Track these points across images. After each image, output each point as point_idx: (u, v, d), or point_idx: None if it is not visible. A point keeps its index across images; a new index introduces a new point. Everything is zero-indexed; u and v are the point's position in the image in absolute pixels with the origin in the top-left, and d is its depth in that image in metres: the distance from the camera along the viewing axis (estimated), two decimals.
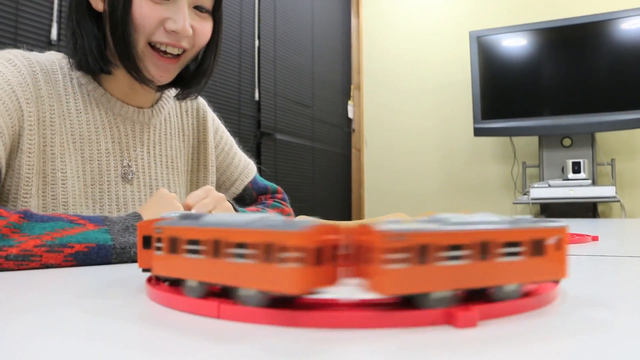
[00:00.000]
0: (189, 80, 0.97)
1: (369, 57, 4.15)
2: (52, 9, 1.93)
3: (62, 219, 0.68)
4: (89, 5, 0.88)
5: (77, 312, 0.38)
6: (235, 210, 0.91)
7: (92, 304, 0.41)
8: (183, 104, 1.08)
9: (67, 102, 0.89)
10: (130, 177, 0.96)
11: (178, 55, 0.89)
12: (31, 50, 0.91)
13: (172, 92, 1.05)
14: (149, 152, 0.99)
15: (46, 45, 1.90)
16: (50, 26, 1.92)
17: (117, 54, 0.87)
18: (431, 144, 3.90)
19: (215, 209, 0.85)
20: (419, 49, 3.96)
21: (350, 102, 4.09)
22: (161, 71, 0.89)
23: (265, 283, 0.32)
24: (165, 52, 0.88)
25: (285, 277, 0.31)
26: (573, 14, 3.38)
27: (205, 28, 0.91)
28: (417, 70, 3.95)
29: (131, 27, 0.84)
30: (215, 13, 0.93)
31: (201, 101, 1.12)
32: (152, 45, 0.87)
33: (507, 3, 3.71)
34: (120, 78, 0.93)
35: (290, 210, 1.13)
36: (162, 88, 0.97)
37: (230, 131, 1.20)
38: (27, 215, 0.66)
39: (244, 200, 1.15)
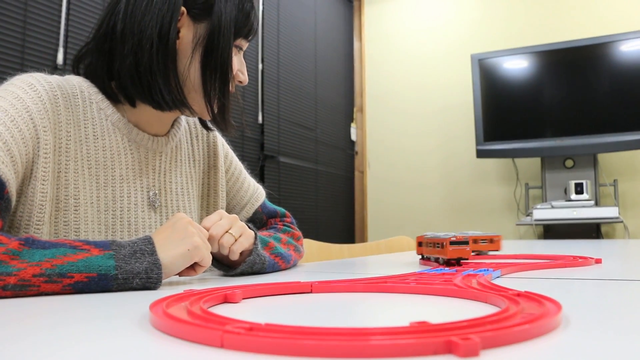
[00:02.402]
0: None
1: (371, 80, 4.18)
2: (58, 33, 1.96)
3: (64, 245, 0.67)
4: (173, 40, 0.89)
5: (77, 338, 0.38)
6: (249, 228, 0.91)
7: (93, 330, 0.41)
8: (193, 129, 1.09)
9: (85, 128, 0.89)
10: (157, 205, 0.96)
11: None
12: (52, 73, 0.91)
13: (183, 119, 1.07)
14: (160, 179, 0.99)
15: (52, 69, 1.92)
16: (56, 51, 1.95)
17: (208, 96, 0.93)
18: (434, 166, 3.91)
19: (231, 229, 0.87)
20: (421, 71, 3.99)
21: (353, 125, 4.11)
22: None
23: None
24: None
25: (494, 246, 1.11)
26: (574, 37, 3.41)
27: None
28: (420, 92, 3.98)
29: (231, 74, 0.93)
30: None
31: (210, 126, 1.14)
32: None
33: (509, 26, 3.74)
34: (145, 108, 0.94)
35: (300, 233, 1.13)
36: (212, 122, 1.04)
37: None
38: (28, 242, 0.65)
39: (254, 223, 1.15)
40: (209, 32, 0.89)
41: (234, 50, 0.94)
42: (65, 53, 1.97)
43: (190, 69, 0.90)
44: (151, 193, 0.97)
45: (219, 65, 0.91)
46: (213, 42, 0.89)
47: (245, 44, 0.97)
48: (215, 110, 0.94)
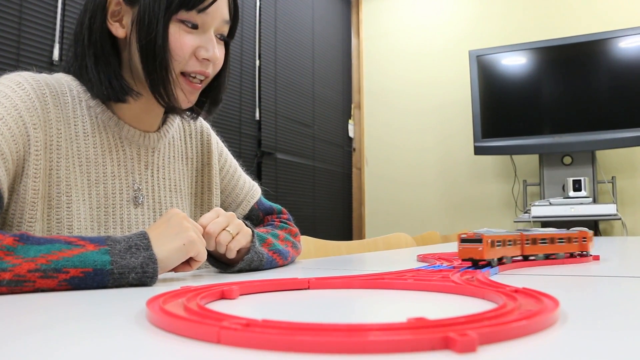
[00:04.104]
0: (216, 101, 1.02)
1: (369, 76, 4.18)
2: (54, 29, 1.95)
3: (59, 241, 0.67)
4: (109, 31, 0.89)
5: (73, 335, 0.38)
6: (247, 226, 0.91)
7: (89, 327, 0.41)
8: (187, 127, 1.09)
9: (75, 125, 0.89)
10: (140, 200, 0.96)
11: (201, 82, 0.93)
12: (40, 72, 0.91)
13: (177, 117, 1.06)
14: (153, 176, 0.99)
15: (48, 65, 1.92)
16: (52, 47, 1.94)
17: (150, 82, 0.88)
18: (432, 163, 3.91)
19: (229, 226, 0.86)
20: (419, 68, 3.99)
21: (350, 121, 4.11)
22: (189, 96, 0.92)
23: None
24: (193, 78, 0.91)
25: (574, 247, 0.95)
26: (572, 33, 3.40)
27: (222, 55, 0.95)
28: (417, 89, 3.97)
29: (169, 55, 0.87)
30: (230, 39, 0.98)
31: (205, 124, 1.13)
32: (183, 74, 0.91)
33: (507, 22, 3.74)
34: (131, 103, 0.94)
35: (297, 229, 1.13)
36: (182, 112, 1.00)
37: (230, 151, 1.20)
38: (22, 238, 0.65)
39: (250, 221, 1.15)
40: (139, 12, 0.86)
41: (182, 26, 0.87)
42: (61, 49, 1.96)
43: (132, 55, 0.89)
44: (143, 190, 0.97)
45: (149, 42, 0.86)
46: (143, 21, 0.86)
47: (197, 18, 0.88)
48: (182, 97, 0.91)
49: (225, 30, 0.94)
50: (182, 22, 0.87)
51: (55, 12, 1.96)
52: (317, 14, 3.75)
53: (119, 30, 0.89)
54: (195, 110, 1.02)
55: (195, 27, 0.88)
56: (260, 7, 3.12)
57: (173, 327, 0.38)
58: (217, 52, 0.91)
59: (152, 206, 0.98)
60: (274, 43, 3.24)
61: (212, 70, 0.93)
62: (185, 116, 1.04)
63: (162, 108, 0.99)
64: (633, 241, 1.95)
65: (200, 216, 0.87)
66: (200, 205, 1.10)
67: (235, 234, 0.86)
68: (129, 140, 0.95)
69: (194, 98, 0.94)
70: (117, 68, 0.90)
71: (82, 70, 0.90)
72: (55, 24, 1.96)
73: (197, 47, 0.89)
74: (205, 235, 0.83)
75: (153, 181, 0.99)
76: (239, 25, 0.99)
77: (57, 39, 1.95)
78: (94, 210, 0.90)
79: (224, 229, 0.85)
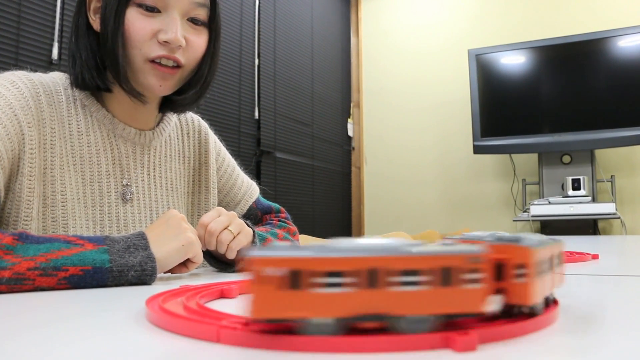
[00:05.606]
0: (184, 91, 0.96)
1: (368, 75, 4.17)
2: (53, 28, 1.95)
3: (58, 240, 0.67)
4: (89, 25, 0.90)
5: (73, 334, 0.38)
6: (248, 226, 0.91)
7: (89, 325, 0.41)
8: (184, 126, 1.08)
9: (69, 124, 0.89)
10: (128, 197, 0.95)
11: (174, 68, 0.89)
12: (35, 70, 0.91)
13: (174, 116, 1.06)
14: (148, 174, 0.98)
15: (47, 64, 1.91)
16: (51, 46, 1.94)
17: (109, 69, 0.88)
18: (431, 162, 3.91)
19: (230, 226, 0.86)
20: (418, 67, 3.98)
21: (350, 120, 4.10)
22: (160, 80, 0.89)
23: (444, 307, 0.32)
24: (160, 64, 0.88)
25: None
26: (571, 32, 3.40)
27: (199, 41, 0.91)
28: (417, 88, 3.97)
29: (121, 41, 0.85)
30: (211, 25, 0.93)
31: (203, 123, 1.13)
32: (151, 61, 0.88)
33: (506, 21, 3.74)
34: (121, 98, 0.93)
35: (295, 228, 1.13)
36: (163, 109, 0.98)
37: (229, 150, 1.20)
38: (21, 237, 0.65)
39: (249, 220, 1.14)
40: (102, 1, 0.87)
41: (139, 10, 0.85)
42: (60, 48, 1.96)
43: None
44: (139, 187, 0.97)
45: (105, 28, 0.85)
46: (103, 9, 0.86)
47: (155, 0, 0.85)
48: (154, 82, 0.89)
49: (200, 13, 0.90)
50: (140, 6, 0.85)
51: (55, 11, 1.96)
52: (317, 13, 3.75)
53: (96, 23, 0.89)
54: (179, 105, 0.99)
55: (152, 9, 0.86)
56: (259, 6, 3.12)
57: (172, 326, 0.38)
58: (179, 34, 0.86)
59: (147, 205, 0.98)
60: (273, 42, 3.24)
61: (183, 56, 0.89)
62: (175, 110, 1.02)
63: (149, 105, 0.96)
64: (632, 240, 1.95)
65: (197, 215, 0.87)
66: (197, 204, 1.09)
67: (237, 234, 0.86)
68: (124, 138, 0.95)
69: (168, 84, 0.90)
70: (91, 60, 0.89)
71: (72, 62, 0.91)
72: (54, 22, 1.96)
73: (157, 30, 0.86)
74: (207, 233, 0.83)
75: (149, 179, 0.99)
76: (239, 23, 0.97)
77: (56, 37, 1.95)
78: (88, 209, 0.90)
79: (225, 228, 0.85)
